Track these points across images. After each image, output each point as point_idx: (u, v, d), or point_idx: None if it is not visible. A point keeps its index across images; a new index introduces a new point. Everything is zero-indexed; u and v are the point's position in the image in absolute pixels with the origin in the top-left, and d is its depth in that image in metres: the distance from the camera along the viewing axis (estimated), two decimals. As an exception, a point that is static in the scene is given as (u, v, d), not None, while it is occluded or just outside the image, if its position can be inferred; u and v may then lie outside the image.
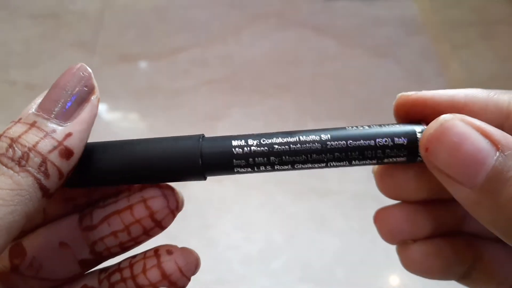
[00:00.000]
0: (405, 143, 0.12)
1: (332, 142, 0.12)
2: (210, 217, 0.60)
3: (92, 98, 0.12)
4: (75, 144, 0.12)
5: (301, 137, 0.13)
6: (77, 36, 0.79)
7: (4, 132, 0.12)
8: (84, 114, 0.12)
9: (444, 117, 0.11)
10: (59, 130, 0.11)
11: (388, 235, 0.15)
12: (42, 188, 0.11)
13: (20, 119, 0.12)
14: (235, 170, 0.13)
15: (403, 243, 0.15)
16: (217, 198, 0.61)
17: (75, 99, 0.12)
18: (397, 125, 0.13)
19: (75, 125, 0.12)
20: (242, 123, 0.69)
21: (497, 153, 0.10)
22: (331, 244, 0.58)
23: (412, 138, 0.12)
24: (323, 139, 0.13)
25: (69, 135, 0.12)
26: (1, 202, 0.10)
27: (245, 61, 0.77)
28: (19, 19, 0.81)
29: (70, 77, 0.12)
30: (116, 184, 0.14)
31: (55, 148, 0.11)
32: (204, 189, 0.63)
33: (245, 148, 0.13)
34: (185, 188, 0.63)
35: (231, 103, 0.72)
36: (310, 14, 0.84)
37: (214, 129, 0.69)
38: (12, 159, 0.11)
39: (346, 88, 0.74)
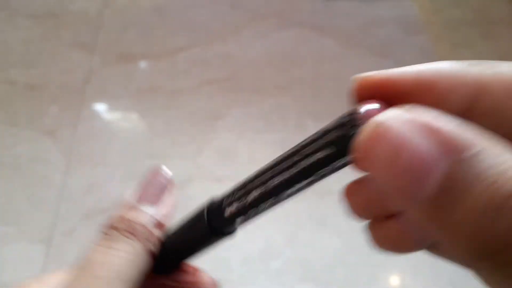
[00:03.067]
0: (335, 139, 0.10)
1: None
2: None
3: (171, 188, 0.17)
4: (164, 220, 0.16)
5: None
6: (77, 36, 0.79)
7: (114, 214, 0.16)
8: (168, 199, 0.17)
9: (377, 118, 0.09)
10: (153, 211, 0.16)
11: (359, 211, 0.14)
12: (147, 250, 0.15)
13: (124, 205, 0.16)
14: (236, 226, 0.15)
15: (375, 220, 0.13)
16: (217, 198, 0.61)
17: (160, 190, 0.17)
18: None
19: (163, 207, 0.17)
20: (242, 123, 0.69)
21: (449, 158, 0.08)
22: (331, 244, 0.58)
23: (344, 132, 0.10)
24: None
25: (160, 213, 0.16)
26: (126, 262, 0.14)
27: (245, 61, 0.77)
28: (19, 19, 0.81)
29: (156, 175, 0.17)
30: (174, 263, 0.18)
31: (151, 222, 0.16)
32: (204, 189, 0.63)
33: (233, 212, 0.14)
34: (185, 188, 0.63)
35: (231, 103, 0.72)
36: (310, 14, 0.84)
37: (214, 129, 0.69)
38: (127, 231, 0.15)
39: (346, 88, 0.74)
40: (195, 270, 0.19)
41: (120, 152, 0.66)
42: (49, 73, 0.74)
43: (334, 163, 0.10)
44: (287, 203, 0.13)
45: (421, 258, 0.10)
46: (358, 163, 0.09)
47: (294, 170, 0.11)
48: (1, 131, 0.67)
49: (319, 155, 0.11)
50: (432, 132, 0.08)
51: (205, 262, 0.19)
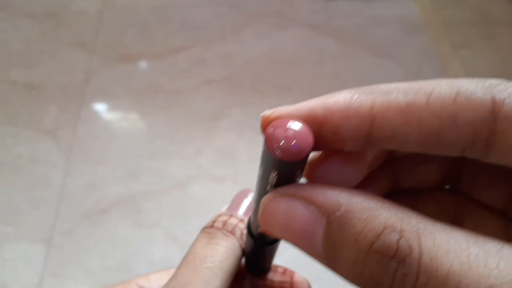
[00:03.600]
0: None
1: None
2: (210, 217, 0.60)
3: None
4: None
5: None
6: (77, 36, 0.79)
7: (216, 220, 0.19)
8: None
9: (265, 198, 0.11)
10: (246, 219, 0.19)
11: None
12: (241, 247, 0.18)
13: (222, 214, 0.19)
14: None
15: None
16: (217, 198, 0.61)
17: (249, 205, 0.20)
18: None
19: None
20: (242, 123, 0.69)
21: (323, 221, 0.10)
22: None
23: None
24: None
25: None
26: (228, 254, 0.17)
27: (245, 61, 0.77)
28: (19, 19, 0.81)
29: (245, 194, 0.20)
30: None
31: (245, 227, 0.18)
32: (204, 189, 0.63)
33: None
34: (185, 188, 0.64)
35: (231, 103, 0.72)
36: (310, 14, 0.84)
37: (214, 129, 0.69)
38: (228, 231, 0.18)
39: (346, 88, 0.74)
40: (285, 270, 0.20)
41: (120, 152, 0.66)
42: (49, 73, 0.74)
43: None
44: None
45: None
46: (263, 228, 0.12)
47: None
48: (1, 131, 0.67)
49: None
50: (310, 201, 0.10)
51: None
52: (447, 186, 0.15)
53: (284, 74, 0.76)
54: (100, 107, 0.72)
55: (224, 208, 0.20)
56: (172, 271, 0.17)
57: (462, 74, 0.75)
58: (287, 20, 0.83)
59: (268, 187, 0.12)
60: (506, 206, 0.13)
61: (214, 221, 0.19)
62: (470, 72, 0.75)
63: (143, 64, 0.77)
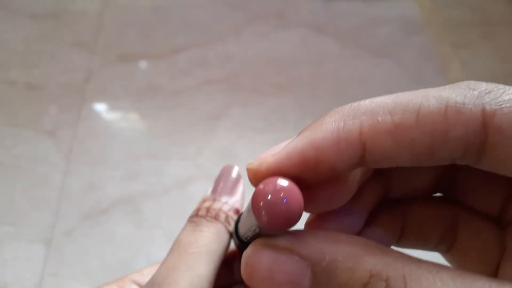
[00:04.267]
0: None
1: None
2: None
3: (240, 180, 0.21)
4: (240, 205, 0.20)
5: None
6: (77, 36, 0.79)
7: (200, 207, 0.19)
8: (239, 189, 0.20)
9: (246, 252, 0.11)
10: (230, 200, 0.19)
11: None
12: (228, 231, 0.18)
13: (206, 199, 0.20)
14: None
15: None
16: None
17: (233, 184, 0.20)
18: None
19: (236, 196, 0.20)
20: (242, 123, 0.69)
21: (308, 272, 0.10)
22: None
23: None
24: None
25: (235, 201, 0.20)
26: (212, 238, 0.17)
27: (245, 61, 0.77)
28: (19, 19, 0.81)
29: (227, 171, 0.21)
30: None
31: (230, 209, 0.19)
32: (204, 189, 0.63)
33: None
34: (185, 188, 0.63)
35: (231, 103, 0.72)
36: (310, 14, 0.84)
37: (214, 129, 0.69)
38: (212, 217, 0.18)
39: (346, 88, 0.74)
40: None
41: (120, 152, 0.66)
42: (49, 73, 0.74)
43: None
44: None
45: (421, 258, 0.10)
46: (247, 282, 0.11)
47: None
48: (1, 131, 0.67)
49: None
50: (294, 252, 0.10)
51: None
52: (439, 194, 0.15)
53: (284, 74, 0.76)
54: (100, 107, 0.72)
55: (208, 191, 0.21)
56: None
57: (462, 74, 0.75)
58: (287, 20, 0.83)
59: (251, 232, 0.12)
60: (500, 212, 0.13)
61: (198, 209, 0.19)
62: (470, 72, 0.75)
63: (143, 64, 0.77)
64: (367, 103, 0.11)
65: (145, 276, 0.20)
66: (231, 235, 0.19)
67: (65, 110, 0.70)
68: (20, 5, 0.83)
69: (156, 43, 0.79)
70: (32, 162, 0.65)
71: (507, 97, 0.10)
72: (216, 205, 0.19)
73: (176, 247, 0.17)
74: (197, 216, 0.19)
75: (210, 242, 0.17)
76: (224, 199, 0.20)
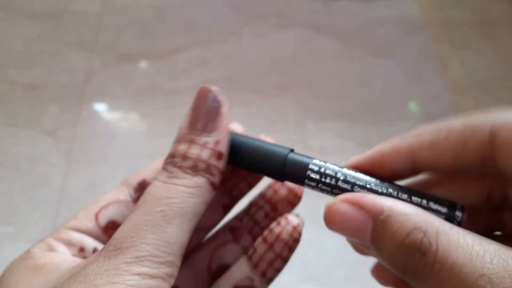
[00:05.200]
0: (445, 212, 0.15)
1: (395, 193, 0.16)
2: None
3: (223, 110, 0.17)
4: (223, 148, 0.16)
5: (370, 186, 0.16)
6: (77, 36, 0.79)
7: (174, 151, 0.16)
8: (221, 124, 0.16)
9: (330, 202, 0.15)
10: (209, 140, 0.16)
11: (386, 282, 0.20)
12: (211, 183, 0.16)
13: (181, 139, 0.16)
14: (306, 181, 0.17)
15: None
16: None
17: (213, 116, 0.16)
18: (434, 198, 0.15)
19: (218, 134, 0.16)
20: (242, 123, 0.69)
21: (371, 221, 0.14)
22: (331, 244, 0.58)
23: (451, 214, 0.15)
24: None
25: (217, 142, 0.16)
26: (189, 195, 0.15)
27: (245, 61, 0.77)
28: (19, 19, 0.81)
29: (204, 95, 0.17)
30: (239, 166, 0.18)
31: (211, 154, 0.16)
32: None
33: (321, 168, 0.17)
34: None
35: (231, 103, 0.71)
36: (310, 14, 0.84)
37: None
38: (188, 168, 0.16)
39: (346, 88, 0.74)
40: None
41: (120, 152, 0.66)
42: (49, 73, 0.74)
43: None
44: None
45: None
46: (326, 224, 0.15)
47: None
48: (1, 131, 0.67)
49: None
50: (361, 206, 0.14)
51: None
52: None
53: (284, 74, 0.76)
54: (100, 107, 0.72)
55: (184, 123, 0.17)
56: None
57: (462, 74, 0.75)
58: (287, 20, 0.83)
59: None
60: None
61: (173, 154, 0.16)
62: (470, 72, 0.75)
63: (143, 64, 0.77)
64: (419, 130, 0.16)
65: (80, 219, 0.19)
66: (214, 187, 0.16)
67: (65, 110, 0.70)
68: (20, 5, 0.83)
69: (156, 43, 0.79)
70: (32, 162, 0.65)
71: (508, 118, 0.14)
72: (194, 150, 0.16)
73: (143, 200, 0.15)
74: (171, 164, 0.16)
75: (185, 200, 0.15)
76: (203, 139, 0.16)
